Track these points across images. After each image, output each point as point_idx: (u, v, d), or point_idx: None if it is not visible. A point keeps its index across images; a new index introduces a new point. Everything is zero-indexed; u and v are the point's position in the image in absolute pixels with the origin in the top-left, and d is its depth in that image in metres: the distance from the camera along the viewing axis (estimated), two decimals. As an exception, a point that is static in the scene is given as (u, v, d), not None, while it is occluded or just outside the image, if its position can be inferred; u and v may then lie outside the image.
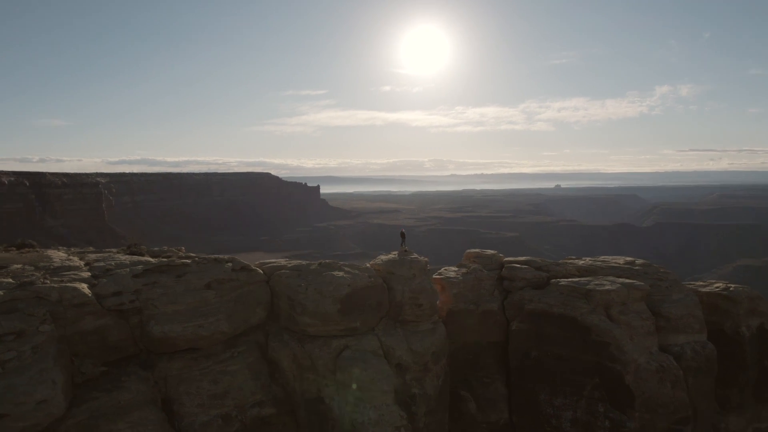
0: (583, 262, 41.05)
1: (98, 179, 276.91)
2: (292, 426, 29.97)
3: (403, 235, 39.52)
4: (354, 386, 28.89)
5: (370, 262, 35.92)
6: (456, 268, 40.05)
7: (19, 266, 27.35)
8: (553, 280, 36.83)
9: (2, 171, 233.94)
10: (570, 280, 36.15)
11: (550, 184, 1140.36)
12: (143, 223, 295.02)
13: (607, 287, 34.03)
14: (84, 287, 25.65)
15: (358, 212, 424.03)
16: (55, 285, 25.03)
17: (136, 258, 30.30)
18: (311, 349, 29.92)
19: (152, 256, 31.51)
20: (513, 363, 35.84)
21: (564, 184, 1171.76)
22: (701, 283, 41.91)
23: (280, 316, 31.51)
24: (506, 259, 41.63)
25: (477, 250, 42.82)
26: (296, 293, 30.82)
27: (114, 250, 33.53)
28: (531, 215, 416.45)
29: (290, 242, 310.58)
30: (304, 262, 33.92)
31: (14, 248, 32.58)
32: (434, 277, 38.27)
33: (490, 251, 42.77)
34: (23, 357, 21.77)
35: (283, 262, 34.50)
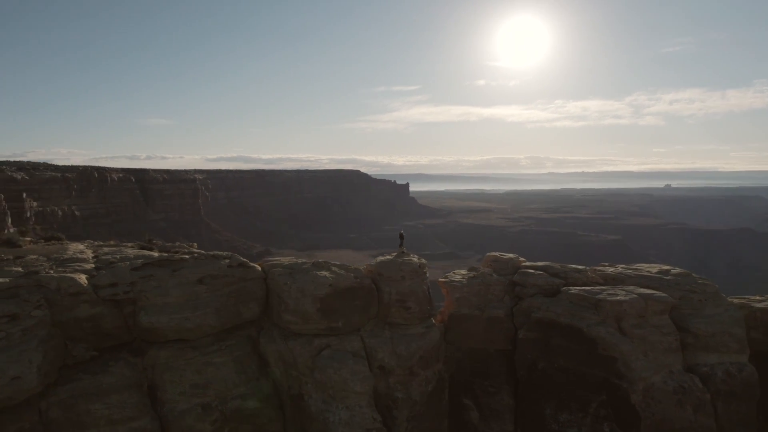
0: (612, 269, 39.03)
1: (196, 176, 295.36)
2: (278, 420, 31.11)
3: (401, 236, 40.20)
4: (328, 385, 29.75)
5: (366, 264, 36.39)
6: (465, 272, 39.76)
7: (34, 257, 30.88)
8: (564, 288, 35.42)
9: (112, 168, 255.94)
10: (581, 288, 34.63)
11: (659, 184, 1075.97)
12: (236, 219, 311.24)
13: (618, 298, 32.27)
14: (82, 278, 28.40)
15: (448, 211, 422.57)
16: (56, 275, 27.94)
17: (142, 252, 32.91)
18: (294, 346, 30.87)
19: (161, 251, 33.90)
20: (520, 373, 34.83)
21: (675, 183, 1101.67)
22: (758, 297, 37.95)
23: (272, 312, 32.68)
24: (523, 264, 40.51)
25: (496, 253, 41.92)
26: (282, 291, 31.87)
27: (129, 244, 36.78)
28: (635, 217, 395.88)
29: (377, 240, 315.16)
30: (300, 261, 34.72)
31: (43, 240, 36.90)
32: (440, 280, 38.24)
33: (509, 255, 41.82)
34: (12, 338, 24.86)
35: (285, 260, 35.39)
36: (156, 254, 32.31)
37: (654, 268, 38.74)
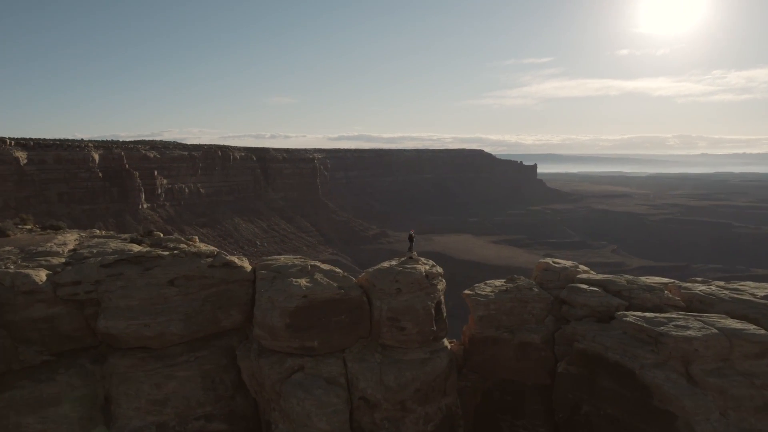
0: (703, 288, 31.44)
1: (315, 155, 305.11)
2: (249, 449, 27.79)
3: (411, 237, 35.84)
4: (292, 417, 25.99)
5: (365, 272, 32.22)
6: (500, 283, 34.60)
7: (9, 248, 29.61)
8: (620, 314, 28.76)
9: (235, 147, 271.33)
10: (640, 315, 27.76)
11: None
12: (354, 199, 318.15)
13: (689, 333, 25.23)
14: (41, 274, 26.63)
15: (580, 195, 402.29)
16: (12, 270, 26.36)
17: (123, 246, 30.53)
18: (264, 364, 27.54)
19: (153, 245, 31.64)
20: (558, 416, 29.44)
21: None
22: None
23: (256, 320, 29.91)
24: (580, 276, 33.96)
25: (549, 260, 36.24)
26: (256, 299, 29.16)
27: (123, 236, 34.28)
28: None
29: (500, 226, 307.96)
30: (293, 261, 31.69)
31: (40, 228, 36.18)
32: (465, 292, 33.92)
33: (564, 263, 35.87)
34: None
35: (282, 260, 32.52)
36: (135, 249, 29.94)
37: (764, 290, 30.70)
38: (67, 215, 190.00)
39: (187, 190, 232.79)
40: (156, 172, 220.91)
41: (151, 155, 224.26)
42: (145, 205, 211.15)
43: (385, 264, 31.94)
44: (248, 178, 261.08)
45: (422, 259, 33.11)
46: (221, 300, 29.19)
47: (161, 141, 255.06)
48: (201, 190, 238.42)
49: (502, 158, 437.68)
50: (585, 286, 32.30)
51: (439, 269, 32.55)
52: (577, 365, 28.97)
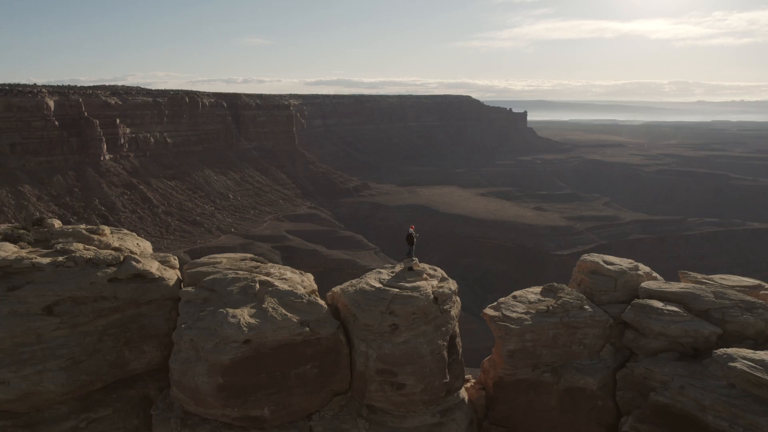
0: None
1: (291, 101, 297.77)
2: None
3: (411, 238, 27.02)
4: None
5: (334, 289, 25.14)
6: (535, 295, 26.59)
7: None
8: (719, 352, 20.88)
9: (203, 92, 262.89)
10: (756, 359, 19.87)
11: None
12: (334, 148, 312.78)
13: None
14: None
15: (572, 145, 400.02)
16: None
17: None
18: None
19: (38, 242, 23.51)
20: None
21: None
22: None
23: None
24: (647, 285, 25.94)
25: (596, 258, 28.13)
26: (176, 338, 21.33)
27: (2, 226, 25.12)
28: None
29: (488, 176, 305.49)
30: (232, 274, 24.32)
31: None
32: (485, 313, 25.79)
33: (620, 262, 27.85)
34: None
35: (224, 263, 25.53)
36: (5, 252, 21.33)
37: None
38: (22, 168, 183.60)
39: (152, 140, 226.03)
40: (118, 121, 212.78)
41: (113, 102, 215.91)
42: (107, 157, 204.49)
43: (372, 280, 24.23)
44: (219, 126, 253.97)
45: (426, 267, 25.28)
46: (129, 331, 21.70)
47: (123, 86, 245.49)
48: (168, 139, 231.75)
49: (491, 105, 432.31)
50: (659, 304, 24.38)
51: (452, 285, 24.49)
52: (653, 425, 21.52)
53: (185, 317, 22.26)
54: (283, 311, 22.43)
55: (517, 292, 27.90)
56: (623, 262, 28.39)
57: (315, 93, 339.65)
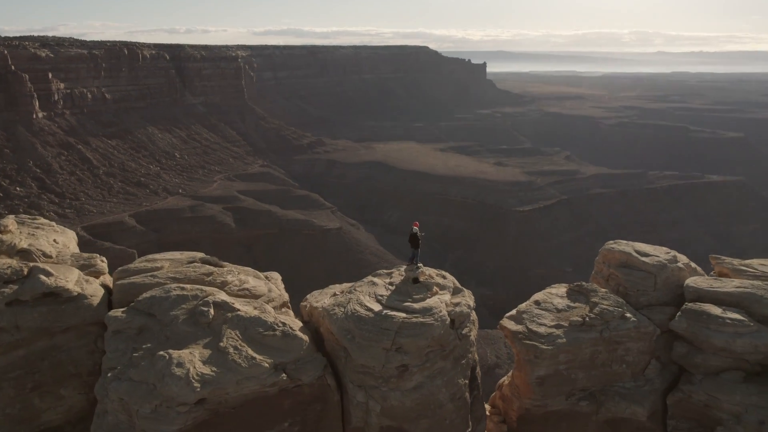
0: None
1: (238, 52, 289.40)
2: None
3: (415, 239, 22.73)
4: None
5: (311, 300, 21.62)
6: (562, 300, 23.10)
7: None
8: None
9: (143, 44, 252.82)
10: None
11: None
12: (286, 103, 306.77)
13: None
14: None
15: (532, 97, 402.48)
16: None
17: None
18: None
19: None
20: None
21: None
22: None
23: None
24: (693, 282, 22.65)
25: (626, 248, 24.47)
26: (99, 392, 17.64)
27: None
28: (764, 110, 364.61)
29: (447, 131, 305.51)
30: (177, 288, 20.17)
31: None
32: (504, 326, 22.41)
33: (654, 253, 24.02)
34: None
35: (164, 270, 21.48)
36: None
37: None
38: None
39: (89, 96, 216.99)
40: (50, 75, 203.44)
41: (43, 54, 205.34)
42: (40, 114, 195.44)
43: (366, 298, 19.76)
44: (161, 80, 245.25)
45: (433, 274, 21.42)
46: (39, 372, 17.70)
47: (54, 37, 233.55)
48: (106, 95, 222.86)
49: (449, 56, 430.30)
50: (717, 310, 20.94)
51: (469, 298, 20.97)
52: None
53: (113, 358, 17.06)
54: (250, 352, 17.53)
55: (538, 296, 23.77)
56: (659, 252, 24.35)
57: (264, 44, 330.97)
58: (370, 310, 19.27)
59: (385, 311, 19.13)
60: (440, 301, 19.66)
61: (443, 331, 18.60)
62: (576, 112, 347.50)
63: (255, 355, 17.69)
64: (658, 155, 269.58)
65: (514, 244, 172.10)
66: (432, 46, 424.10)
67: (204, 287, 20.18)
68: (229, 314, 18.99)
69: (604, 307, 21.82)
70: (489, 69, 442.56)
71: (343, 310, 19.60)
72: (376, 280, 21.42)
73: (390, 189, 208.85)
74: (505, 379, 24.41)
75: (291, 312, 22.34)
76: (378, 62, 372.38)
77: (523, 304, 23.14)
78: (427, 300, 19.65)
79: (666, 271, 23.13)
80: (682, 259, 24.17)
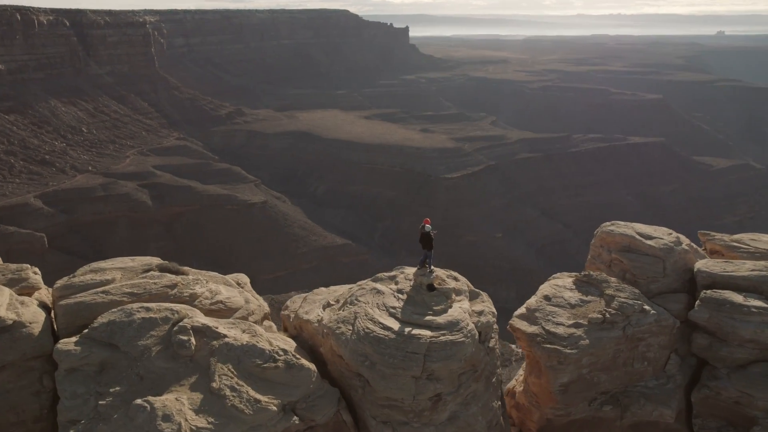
0: None
1: (146, 18, 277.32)
2: None
3: (427, 239, 19.65)
4: None
5: (296, 309, 19.91)
6: (571, 287, 21.90)
7: None
8: None
9: (39, 9, 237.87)
10: None
11: (711, 31, 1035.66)
12: (200, 71, 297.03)
13: None
14: None
15: (456, 62, 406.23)
16: None
17: None
18: None
19: None
20: None
21: (729, 30, 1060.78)
22: None
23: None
24: (703, 268, 21.94)
25: (627, 230, 23.42)
26: None
27: None
28: (681, 72, 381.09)
29: (372, 98, 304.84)
30: (139, 308, 17.28)
31: None
32: (515, 326, 20.87)
33: (658, 235, 23.08)
34: None
35: (117, 274, 19.03)
36: None
37: None
38: None
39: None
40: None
41: None
42: None
43: (377, 312, 17.39)
44: (62, 49, 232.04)
45: (444, 277, 19.24)
46: None
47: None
48: (0, 66, 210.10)
49: (370, 20, 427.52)
50: (739, 298, 20.01)
51: (489, 304, 19.30)
52: None
53: (72, 408, 14.27)
54: (251, 392, 14.91)
55: (546, 290, 22.20)
56: (661, 234, 23.26)
57: (173, 8, 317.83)
58: (387, 328, 16.75)
59: (406, 329, 16.66)
60: (462, 311, 17.55)
61: (474, 348, 16.68)
62: (500, 77, 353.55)
63: (258, 396, 15.12)
64: (581, 118, 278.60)
65: (444, 211, 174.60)
66: (352, 9, 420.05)
67: (172, 306, 17.52)
68: (215, 342, 16.26)
69: (623, 300, 20.57)
70: (411, 33, 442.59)
71: (350, 328, 17.00)
72: (379, 286, 19.03)
73: (315, 159, 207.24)
74: (514, 385, 22.80)
75: (273, 325, 20.37)
76: (297, 27, 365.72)
77: (532, 301, 21.67)
78: (450, 311, 17.39)
79: (674, 255, 22.27)
80: (685, 240, 23.52)
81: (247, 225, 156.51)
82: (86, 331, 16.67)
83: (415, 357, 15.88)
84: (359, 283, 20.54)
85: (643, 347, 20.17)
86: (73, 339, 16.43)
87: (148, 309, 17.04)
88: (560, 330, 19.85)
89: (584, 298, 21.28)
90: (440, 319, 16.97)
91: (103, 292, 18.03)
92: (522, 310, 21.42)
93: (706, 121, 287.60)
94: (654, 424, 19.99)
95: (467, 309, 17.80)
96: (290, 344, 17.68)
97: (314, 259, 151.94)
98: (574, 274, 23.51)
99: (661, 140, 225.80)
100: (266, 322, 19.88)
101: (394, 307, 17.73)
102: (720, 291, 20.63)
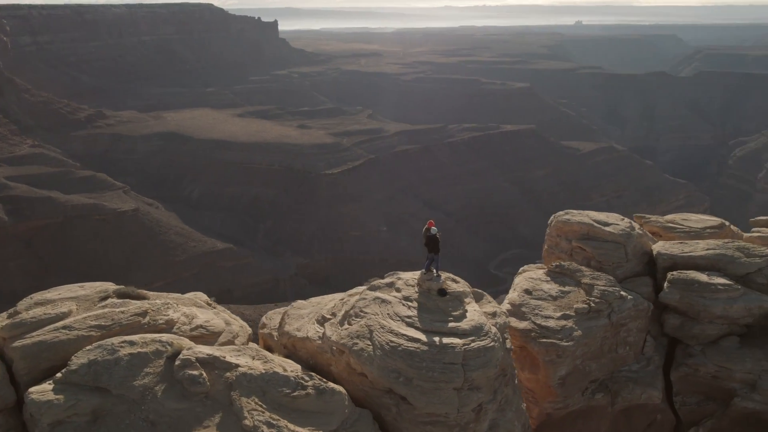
0: None
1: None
2: None
3: (434, 241, 19.09)
4: None
5: (269, 331, 19.28)
6: (547, 279, 22.60)
7: None
8: None
9: None
10: None
11: (570, 20, 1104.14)
12: (53, 72, 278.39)
13: None
14: None
15: (329, 56, 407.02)
16: None
17: None
18: None
19: None
20: None
21: (586, 20, 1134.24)
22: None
23: None
24: (662, 250, 23.48)
25: (583, 218, 24.37)
26: None
27: None
28: (545, 60, 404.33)
29: (243, 95, 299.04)
30: (122, 342, 15.74)
31: None
32: (512, 324, 20.67)
33: (613, 221, 24.16)
34: None
35: (72, 306, 17.43)
36: None
37: None
38: None
39: None
40: None
41: None
42: None
43: (393, 323, 16.62)
44: None
45: (452, 283, 18.57)
46: None
47: None
48: None
49: (236, 14, 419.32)
50: (704, 277, 21.52)
51: (494, 304, 19.20)
52: None
53: None
54: (290, 426, 13.94)
55: (523, 284, 22.54)
56: (615, 220, 24.40)
57: (16, 2, 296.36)
58: (414, 340, 16.04)
59: (434, 339, 16.03)
60: (479, 314, 17.35)
61: (503, 352, 16.45)
62: (374, 69, 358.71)
63: (298, 429, 14.09)
64: (455, 108, 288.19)
65: (327, 208, 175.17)
66: (216, 3, 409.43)
67: (159, 336, 16.12)
68: (228, 374, 15.01)
69: (602, 288, 21.30)
70: (280, 27, 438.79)
71: (369, 343, 16.17)
72: (382, 295, 18.10)
73: (188, 161, 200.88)
74: None
75: (254, 346, 19.07)
76: (158, 22, 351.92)
77: (514, 296, 21.98)
78: (468, 315, 16.98)
79: (633, 239, 23.34)
80: (636, 225, 24.56)
81: (119, 235, 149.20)
82: (60, 375, 14.93)
83: (453, 368, 15.41)
84: (350, 292, 19.83)
85: (624, 332, 20.99)
86: (47, 386, 14.58)
87: (132, 343, 15.49)
88: (551, 323, 20.31)
89: (563, 289, 21.90)
90: (464, 325, 16.60)
91: (64, 327, 16.26)
92: (507, 305, 21.68)
93: (571, 107, 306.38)
94: (643, 407, 20.92)
95: (480, 311, 17.71)
96: (296, 367, 16.60)
97: (194, 266, 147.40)
98: (540, 264, 24.31)
99: (531, 127, 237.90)
100: (251, 344, 18.76)
101: (409, 317, 17.02)
102: (685, 272, 22.09)
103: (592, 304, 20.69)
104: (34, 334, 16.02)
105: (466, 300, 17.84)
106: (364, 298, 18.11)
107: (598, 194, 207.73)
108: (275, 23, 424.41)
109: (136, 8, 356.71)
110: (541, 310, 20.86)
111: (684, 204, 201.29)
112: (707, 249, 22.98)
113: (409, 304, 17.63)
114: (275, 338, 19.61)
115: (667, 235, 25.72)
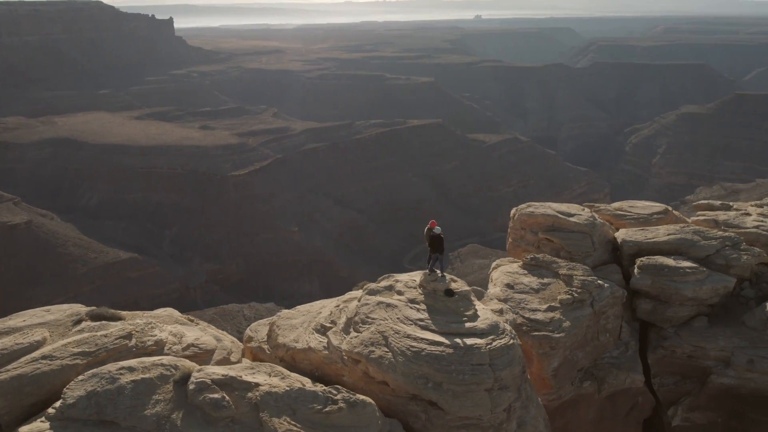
0: (724, 212, 26.63)
1: None
2: None
3: (438, 241, 18.99)
4: None
5: (257, 344, 19.08)
6: (524, 272, 23.22)
7: None
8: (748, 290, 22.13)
9: None
10: None
11: (469, 15, 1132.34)
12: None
13: None
14: None
15: (228, 54, 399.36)
16: None
17: None
18: None
19: None
20: None
21: (485, 14, 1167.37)
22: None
23: None
24: (626, 237, 24.61)
25: (546, 209, 25.06)
26: None
27: None
28: (447, 54, 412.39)
29: (140, 96, 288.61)
30: (121, 370, 14.88)
31: None
32: (515, 319, 20.96)
33: (575, 211, 25.12)
34: None
35: (44, 333, 16.39)
36: None
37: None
38: None
39: None
40: None
41: None
42: None
43: (409, 329, 16.45)
44: None
45: (454, 283, 18.48)
46: None
47: None
48: None
49: (127, 12, 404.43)
50: (671, 261, 22.60)
51: (499, 302, 19.83)
52: (710, 411, 20.81)
53: None
54: None
55: (502, 278, 22.89)
56: (577, 210, 25.22)
57: None
58: (436, 343, 15.92)
59: (456, 340, 15.99)
60: (489, 312, 17.44)
61: (521, 360, 16.42)
62: (276, 67, 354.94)
63: None
64: (361, 104, 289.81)
65: (236, 211, 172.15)
66: (106, 0, 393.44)
67: (160, 360, 15.26)
68: (251, 395, 14.44)
69: (581, 278, 21.98)
70: (176, 25, 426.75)
71: (386, 350, 15.95)
72: (386, 299, 17.79)
73: (84, 168, 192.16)
74: None
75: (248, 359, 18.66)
76: (42, 21, 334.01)
77: (497, 291, 22.21)
78: (484, 317, 16.99)
79: (597, 229, 24.23)
80: (595, 214, 25.49)
81: (10, 250, 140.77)
82: (53, 411, 13.78)
83: (482, 368, 15.40)
84: (343, 298, 19.47)
85: (604, 320, 21.76)
86: (42, 424, 13.41)
87: (131, 369, 14.44)
88: (539, 316, 20.82)
89: (542, 281, 22.50)
90: (480, 324, 16.61)
91: (43, 357, 15.01)
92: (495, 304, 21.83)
93: (474, 100, 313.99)
94: (627, 391, 21.75)
95: (487, 309, 17.81)
96: (305, 379, 16.26)
97: (97, 278, 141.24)
98: (510, 259, 24.40)
99: (438, 121, 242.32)
100: (245, 359, 18.11)
101: (421, 320, 16.84)
102: (653, 257, 23.14)
103: (575, 295, 21.38)
104: (9, 367, 14.76)
105: (473, 299, 17.96)
106: (367, 303, 17.79)
107: (505, 185, 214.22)
108: (170, 21, 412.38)
109: (16, 6, 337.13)
110: (526, 304, 21.40)
111: (586, 191, 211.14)
112: (669, 234, 24.15)
113: (417, 306, 17.49)
114: (267, 351, 19.03)
115: (618, 222, 26.83)
